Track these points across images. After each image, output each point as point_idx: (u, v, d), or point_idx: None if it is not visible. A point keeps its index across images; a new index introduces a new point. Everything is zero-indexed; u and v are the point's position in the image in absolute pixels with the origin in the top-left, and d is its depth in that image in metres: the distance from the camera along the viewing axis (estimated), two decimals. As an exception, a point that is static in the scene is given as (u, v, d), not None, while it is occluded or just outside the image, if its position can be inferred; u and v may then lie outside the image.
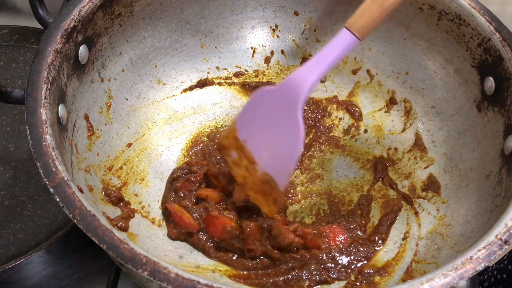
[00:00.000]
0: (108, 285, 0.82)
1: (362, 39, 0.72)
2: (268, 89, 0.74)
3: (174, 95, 0.95)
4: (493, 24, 0.79)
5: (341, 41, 0.71)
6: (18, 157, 0.96)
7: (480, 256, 0.57)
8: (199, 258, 0.77)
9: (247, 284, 0.74)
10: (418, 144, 0.91)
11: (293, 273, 0.74)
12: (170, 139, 0.91)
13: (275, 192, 0.75)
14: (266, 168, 0.75)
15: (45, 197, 0.91)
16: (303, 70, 0.72)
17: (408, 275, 0.74)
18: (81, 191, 0.69)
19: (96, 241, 0.55)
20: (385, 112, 0.96)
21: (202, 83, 0.97)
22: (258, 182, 0.76)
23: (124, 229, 0.74)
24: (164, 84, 0.94)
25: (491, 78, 0.79)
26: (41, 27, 0.87)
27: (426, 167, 0.88)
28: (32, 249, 0.81)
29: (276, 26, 1.00)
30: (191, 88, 0.97)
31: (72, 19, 0.74)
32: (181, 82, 0.96)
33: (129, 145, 0.86)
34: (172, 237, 0.78)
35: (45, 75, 0.67)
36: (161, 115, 0.93)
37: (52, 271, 0.86)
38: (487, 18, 0.80)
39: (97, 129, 0.81)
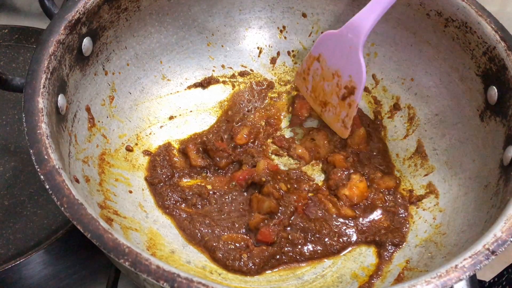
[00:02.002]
0: (108, 285, 0.83)
1: None
2: (332, 33, 0.87)
3: (178, 92, 0.96)
4: (499, 33, 0.78)
5: None
6: (18, 157, 0.97)
7: (465, 265, 0.56)
8: (191, 254, 0.78)
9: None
10: (419, 151, 0.90)
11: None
12: (172, 135, 0.92)
13: (350, 110, 0.87)
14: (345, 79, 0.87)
15: (45, 197, 0.92)
16: (361, 16, 0.83)
17: (399, 282, 0.73)
18: (77, 181, 0.71)
19: (80, 229, 0.55)
20: (389, 117, 0.95)
21: (207, 81, 0.98)
22: (338, 95, 0.89)
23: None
24: (168, 80, 0.95)
25: (495, 87, 0.78)
26: (41, 27, 0.88)
27: (426, 175, 0.87)
28: (32, 249, 0.82)
29: (284, 27, 1.00)
30: (195, 85, 0.97)
31: (77, 11, 0.75)
32: (186, 79, 0.97)
33: (130, 139, 0.87)
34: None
35: (46, 64, 0.68)
36: (164, 111, 0.93)
37: (52, 271, 0.87)
38: (493, 26, 0.79)
39: (98, 121, 0.82)
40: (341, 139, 0.93)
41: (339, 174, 0.87)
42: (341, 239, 0.81)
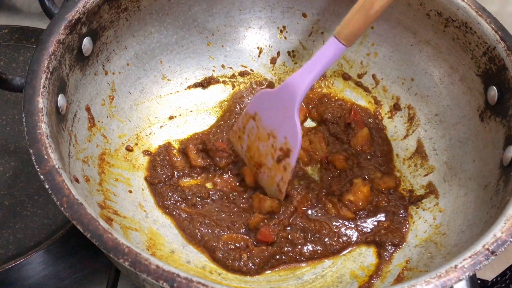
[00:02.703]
0: (108, 285, 0.83)
1: (349, 46, 0.78)
2: (268, 92, 0.83)
3: (178, 91, 0.96)
4: (499, 33, 0.78)
5: (330, 49, 0.79)
6: (18, 157, 0.97)
7: (465, 265, 0.56)
8: (191, 254, 0.78)
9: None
10: (419, 151, 0.90)
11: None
12: (172, 135, 0.92)
13: (285, 174, 0.82)
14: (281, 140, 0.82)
15: (45, 197, 0.91)
16: (297, 76, 0.80)
17: (399, 282, 0.73)
18: (77, 181, 0.71)
19: (80, 229, 0.56)
20: (389, 118, 0.95)
21: (207, 81, 0.98)
22: (273, 157, 0.83)
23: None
24: (168, 80, 0.95)
25: (495, 88, 0.78)
26: (41, 27, 0.88)
27: (426, 175, 0.87)
28: (32, 249, 0.82)
29: (284, 27, 1.00)
30: (195, 85, 0.97)
31: (77, 11, 0.75)
32: (186, 78, 0.97)
33: (130, 139, 0.87)
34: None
35: (46, 64, 0.68)
36: (164, 111, 0.93)
37: (52, 271, 0.87)
38: (493, 26, 0.79)
39: (98, 121, 0.82)
40: (340, 141, 0.92)
41: (341, 181, 0.87)
42: (341, 239, 0.81)
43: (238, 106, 0.96)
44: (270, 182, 0.84)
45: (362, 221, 0.83)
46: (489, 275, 0.90)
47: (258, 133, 0.85)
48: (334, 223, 0.82)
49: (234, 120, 0.94)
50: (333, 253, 0.80)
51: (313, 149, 0.92)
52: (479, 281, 0.87)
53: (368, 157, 0.91)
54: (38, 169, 0.60)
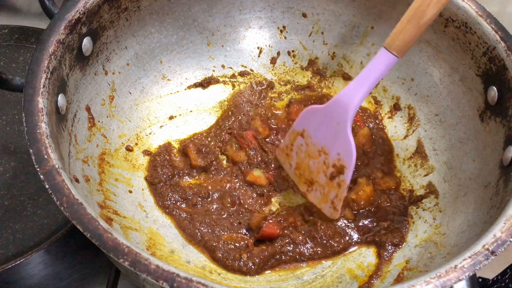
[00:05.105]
0: (108, 285, 0.83)
1: (402, 57, 0.75)
2: (317, 108, 0.81)
3: (178, 91, 0.96)
4: (499, 33, 0.78)
5: (382, 61, 0.76)
6: (18, 157, 0.97)
7: (465, 265, 0.56)
8: (190, 254, 0.78)
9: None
10: (419, 151, 0.90)
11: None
12: (172, 135, 0.92)
13: (340, 191, 0.79)
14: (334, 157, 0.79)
15: (45, 197, 0.91)
16: (349, 90, 0.77)
17: (399, 282, 0.73)
18: (77, 181, 0.71)
19: (80, 229, 0.56)
20: (389, 118, 0.95)
21: (207, 81, 0.98)
22: (326, 174, 0.80)
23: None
24: (168, 80, 0.95)
25: (495, 88, 0.78)
26: (41, 27, 0.88)
27: (426, 175, 0.87)
28: (32, 249, 0.82)
29: (284, 27, 1.00)
30: (195, 85, 0.97)
31: (77, 11, 0.75)
32: (186, 78, 0.97)
33: (130, 138, 0.87)
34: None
35: (46, 64, 0.68)
36: (164, 111, 0.93)
37: (52, 271, 0.87)
38: (494, 27, 0.79)
39: (98, 121, 0.82)
40: None
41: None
42: (342, 240, 0.81)
43: (238, 106, 0.96)
44: (323, 199, 0.82)
45: (362, 221, 0.83)
46: (489, 275, 0.90)
47: (308, 150, 0.82)
48: (334, 222, 0.82)
49: (233, 120, 0.94)
50: (334, 253, 0.80)
51: None
52: (480, 280, 0.87)
53: (369, 156, 0.91)
54: (38, 169, 0.60)
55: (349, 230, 0.82)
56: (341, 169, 0.79)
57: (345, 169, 0.78)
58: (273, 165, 0.89)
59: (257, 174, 0.87)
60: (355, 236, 0.82)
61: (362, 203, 0.84)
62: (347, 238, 0.81)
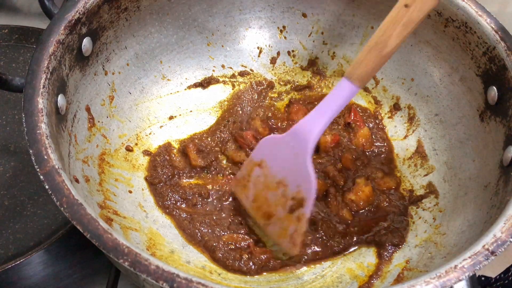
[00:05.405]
0: (108, 285, 0.83)
1: (362, 87, 0.74)
2: (276, 138, 0.79)
3: (178, 91, 0.96)
4: (499, 33, 0.78)
5: (342, 91, 0.73)
6: (18, 157, 0.96)
7: (465, 265, 0.56)
8: (190, 254, 0.78)
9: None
10: (419, 151, 0.90)
11: None
12: (172, 135, 0.92)
13: (300, 225, 0.75)
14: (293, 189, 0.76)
15: (45, 197, 0.91)
16: (308, 121, 0.75)
17: (399, 282, 0.73)
18: (77, 181, 0.71)
19: (80, 229, 0.56)
20: (389, 117, 0.95)
21: (207, 81, 0.98)
22: (285, 207, 0.76)
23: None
24: (168, 80, 0.95)
25: (495, 88, 0.78)
26: (41, 27, 0.88)
27: (425, 175, 0.87)
28: (32, 249, 0.82)
29: (284, 27, 1.00)
30: (195, 85, 0.97)
31: (77, 11, 0.75)
32: (186, 78, 0.97)
33: (130, 139, 0.87)
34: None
35: (46, 64, 0.68)
36: (164, 111, 0.93)
37: (52, 271, 0.86)
38: (493, 27, 0.79)
39: (98, 121, 0.82)
40: (347, 143, 0.92)
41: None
42: (343, 241, 0.81)
43: (238, 106, 0.96)
44: (282, 234, 0.77)
45: (362, 221, 0.83)
46: (489, 275, 0.90)
47: (266, 182, 0.79)
48: (335, 223, 0.82)
49: (233, 120, 0.94)
50: (335, 254, 0.80)
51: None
52: (482, 278, 0.87)
53: (370, 156, 0.91)
54: (38, 169, 0.60)
55: (350, 230, 0.82)
56: (301, 202, 0.75)
57: (305, 201, 0.75)
58: None
59: None
60: (355, 236, 0.81)
61: (361, 203, 0.84)
62: (347, 238, 0.81)
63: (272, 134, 0.80)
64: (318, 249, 0.79)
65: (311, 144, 0.74)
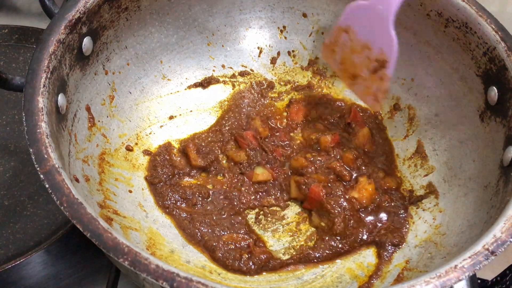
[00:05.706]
0: (108, 285, 0.83)
1: None
2: (361, 4, 0.83)
3: (178, 91, 0.96)
4: (499, 33, 0.78)
5: None
6: (18, 157, 0.97)
7: (465, 265, 0.56)
8: (190, 254, 0.78)
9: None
10: (419, 151, 0.90)
11: None
12: (172, 135, 0.92)
13: (382, 84, 0.84)
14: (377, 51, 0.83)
15: (45, 197, 0.91)
16: None
17: (399, 282, 0.73)
18: (77, 180, 0.71)
19: (80, 229, 0.56)
20: (389, 118, 0.95)
21: (207, 81, 0.98)
22: (369, 68, 0.85)
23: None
24: (168, 79, 0.95)
25: (495, 88, 0.78)
26: (41, 27, 0.88)
27: (425, 175, 0.87)
28: (32, 249, 0.82)
29: (284, 27, 1.00)
30: (195, 85, 0.97)
31: (77, 11, 0.75)
32: (186, 78, 0.97)
33: (130, 138, 0.87)
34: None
35: (46, 64, 0.68)
36: (164, 111, 0.93)
37: (52, 271, 0.87)
38: (494, 27, 0.79)
39: (98, 121, 0.82)
40: (347, 143, 0.92)
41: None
42: (348, 241, 0.81)
43: (239, 106, 0.96)
44: (366, 91, 0.87)
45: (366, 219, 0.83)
46: (488, 275, 0.90)
47: (352, 45, 0.86)
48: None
49: (233, 120, 0.94)
50: (340, 254, 0.80)
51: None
52: (479, 281, 0.87)
53: (371, 156, 0.91)
54: (38, 169, 0.60)
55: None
56: (383, 63, 0.82)
57: (387, 63, 0.82)
58: (273, 164, 0.89)
59: (260, 172, 0.87)
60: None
61: (364, 201, 0.84)
62: (352, 238, 0.81)
63: (357, 1, 0.84)
64: (326, 251, 0.80)
65: (394, 8, 0.79)
